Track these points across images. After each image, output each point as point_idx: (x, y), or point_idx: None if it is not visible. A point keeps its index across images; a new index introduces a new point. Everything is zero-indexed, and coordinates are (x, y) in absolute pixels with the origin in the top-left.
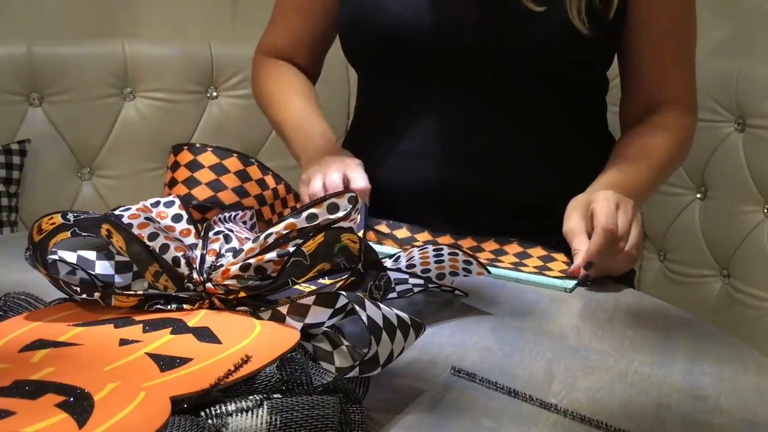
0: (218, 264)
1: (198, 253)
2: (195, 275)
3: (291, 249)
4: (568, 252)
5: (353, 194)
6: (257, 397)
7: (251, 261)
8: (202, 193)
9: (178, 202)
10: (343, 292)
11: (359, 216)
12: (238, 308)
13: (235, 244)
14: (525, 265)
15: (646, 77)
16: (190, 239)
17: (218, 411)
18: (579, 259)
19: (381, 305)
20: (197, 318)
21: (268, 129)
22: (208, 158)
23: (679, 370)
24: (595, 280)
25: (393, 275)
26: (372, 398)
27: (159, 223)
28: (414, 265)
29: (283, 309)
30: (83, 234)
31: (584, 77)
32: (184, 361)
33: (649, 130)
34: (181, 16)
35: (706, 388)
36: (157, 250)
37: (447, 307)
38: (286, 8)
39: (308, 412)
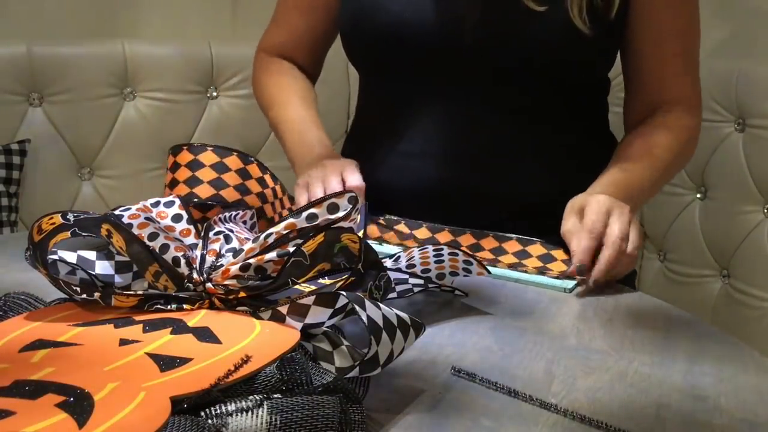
0: (218, 264)
1: (198, 253)
2: (195, 275)
3: (291, 249)
4: (567, 249)
5: (353, 194)
6: (257, 397)
7: (251, 261)
8: (204, 191)
9: (178, 202)
10: (343, 292)
11: (359, 216)
12: (238, 308)
13: (235, 244)
14: (524, 266)
15: (649, 77)
16: (190, 239)
17: (218, 411)
18: (575, 261)
19: (381, 305)
20: (197, 318)
21: (268, 129)
22: (208, 157)
23: (679, 370)
24: (599, 285)
25: (393, 275)
26: (372, 398)
27: (159, 223)
28: (414, 265)
29: (283, 309)
30: (83, 234)
31: (585, 77)
32: (184, 361)
33: (652, 130)
34: (181, 16)
35: (706, 388)
36: (157, 250)
37: (447, 307)
38: (288, 7)
39: (308, 412)
